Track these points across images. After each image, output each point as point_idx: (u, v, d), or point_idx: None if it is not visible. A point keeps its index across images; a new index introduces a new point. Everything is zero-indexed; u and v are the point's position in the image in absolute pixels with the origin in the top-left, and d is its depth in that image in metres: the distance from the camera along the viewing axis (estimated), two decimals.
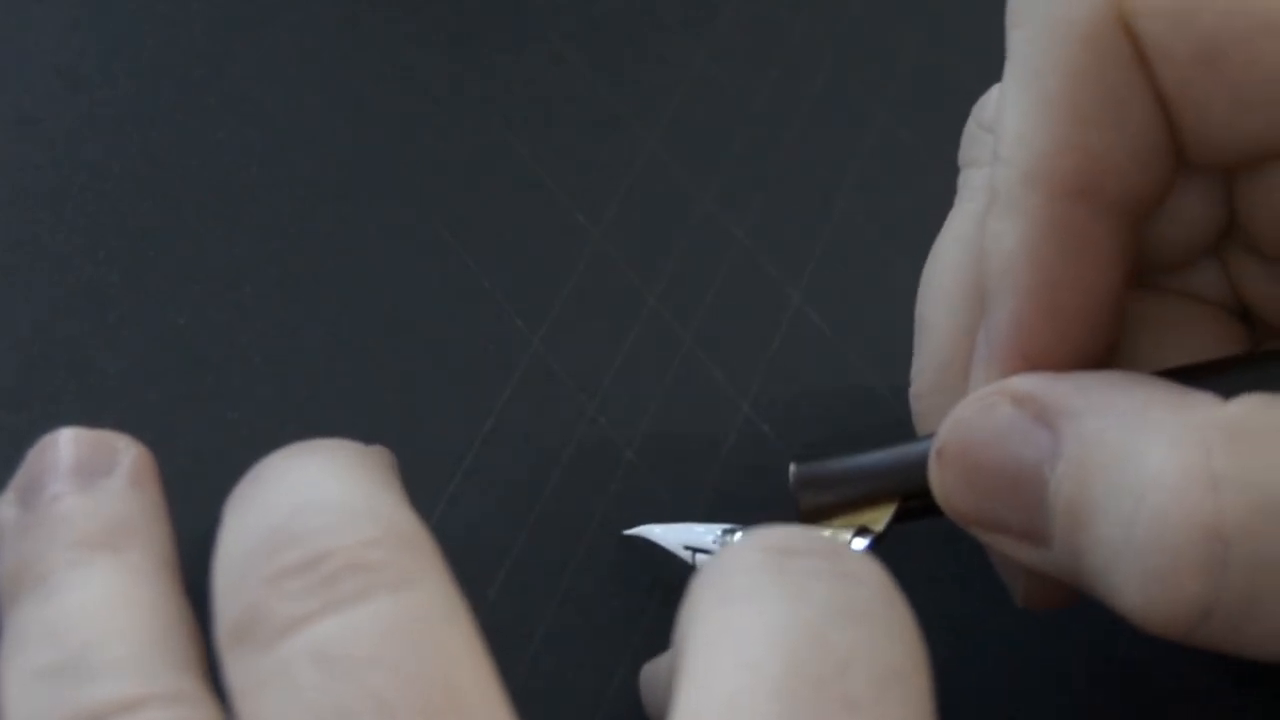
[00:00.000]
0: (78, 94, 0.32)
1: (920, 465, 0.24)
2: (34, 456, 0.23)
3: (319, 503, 0.20)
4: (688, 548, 0.28)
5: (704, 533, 0.28)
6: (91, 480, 0.23)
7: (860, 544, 0.25)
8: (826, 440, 0.27)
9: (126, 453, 0.24)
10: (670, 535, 0.28)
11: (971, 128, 0.28)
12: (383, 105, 0.34)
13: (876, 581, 0.20)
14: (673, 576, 0.29)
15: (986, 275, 0.24)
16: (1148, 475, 0.21)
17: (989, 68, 0.28)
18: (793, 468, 0.26)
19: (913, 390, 0.27)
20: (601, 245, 0.33)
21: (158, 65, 0.33)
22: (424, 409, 0.30)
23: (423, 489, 0.28)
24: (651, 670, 0.27)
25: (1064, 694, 0.29)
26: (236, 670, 0.19)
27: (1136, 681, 0.29)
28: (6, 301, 0.30)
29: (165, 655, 0.20)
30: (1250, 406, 0.21)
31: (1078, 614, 0.29)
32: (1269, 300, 0.26)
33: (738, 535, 0.27)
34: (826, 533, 0.26)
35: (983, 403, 0.23)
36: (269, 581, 0.19)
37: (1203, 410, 0.21)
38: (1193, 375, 0.23)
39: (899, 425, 0.30)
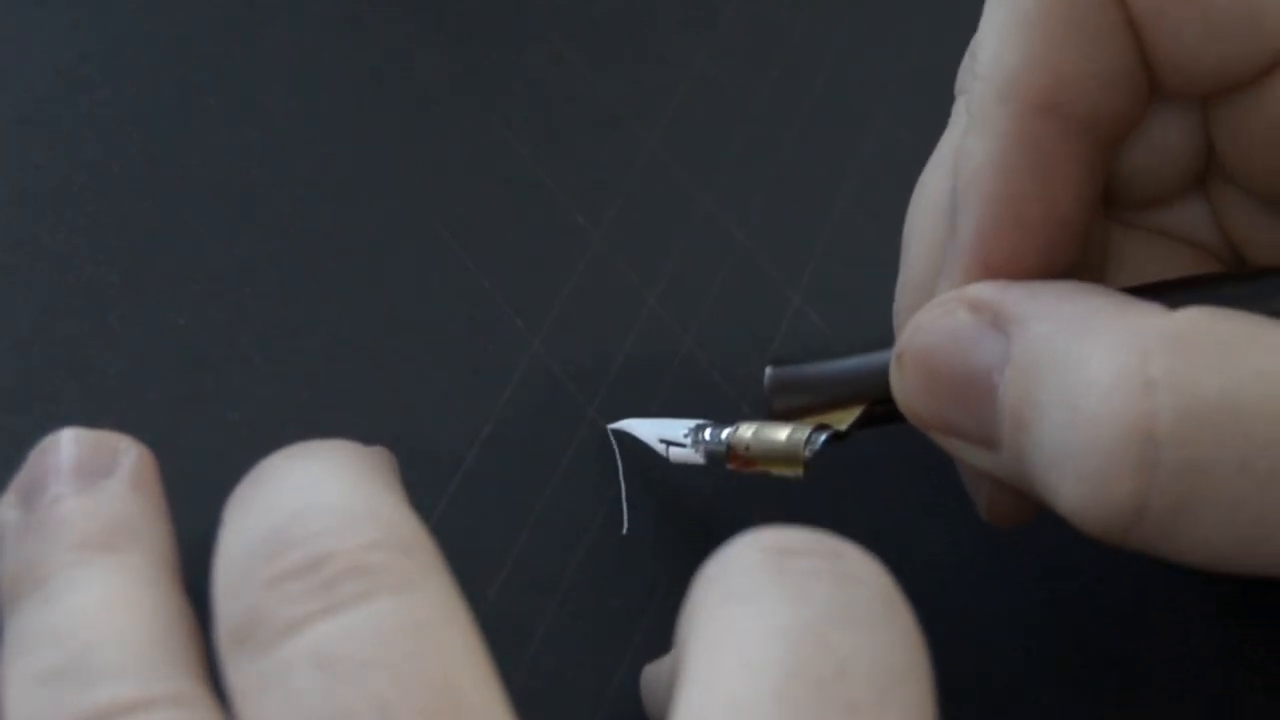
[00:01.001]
0: (78, 94, 0.32)
1: (886, 372, 0.25)
2: (35, 458, 0.23)
3: (319, 505, 0.20)
4: (662, 440, 0.29)
5: (679, 427, 0.29)
6: (92, 481, 0.23)
7: (819, 439, 0.26)
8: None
9: (127, 454, 0.24)
10: (649, 429, 0.29)
11: (967, 60, 0.29)
12: (383, 105, 0.34)
13: (877, 582, 0.20)
14: (673, 576, 0.29)
15: (956, 189, 0.25)
16: (1087, 378, 0.21)
17: None
18: (768, 370, 0.27)
19: (895, 306, 0.28)
20: (601, 245, 0.33)
21: (158, 65, 0.33)
22: (424, 409, 0.30)
23: (423, 489, 0.28)
24: (653, 671, 0.27)
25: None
26: (237, 672, 0.19)
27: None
28: (6, 302, 0.30)
29: (166, 657, 0.20)
30: (1192, 316, 0.21)
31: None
32: (1254, 235, 0.27)
33: (708, 431, 0.28)
34: (787, 429, 0.26)
35: (941, 309, 0.24)
36: (269, 584, 0.19)
37: (1145, 318, 0.22)
38: (1147, 291, 0.24)
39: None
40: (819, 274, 0.33)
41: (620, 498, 0.29)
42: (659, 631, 0.28)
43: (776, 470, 0.27)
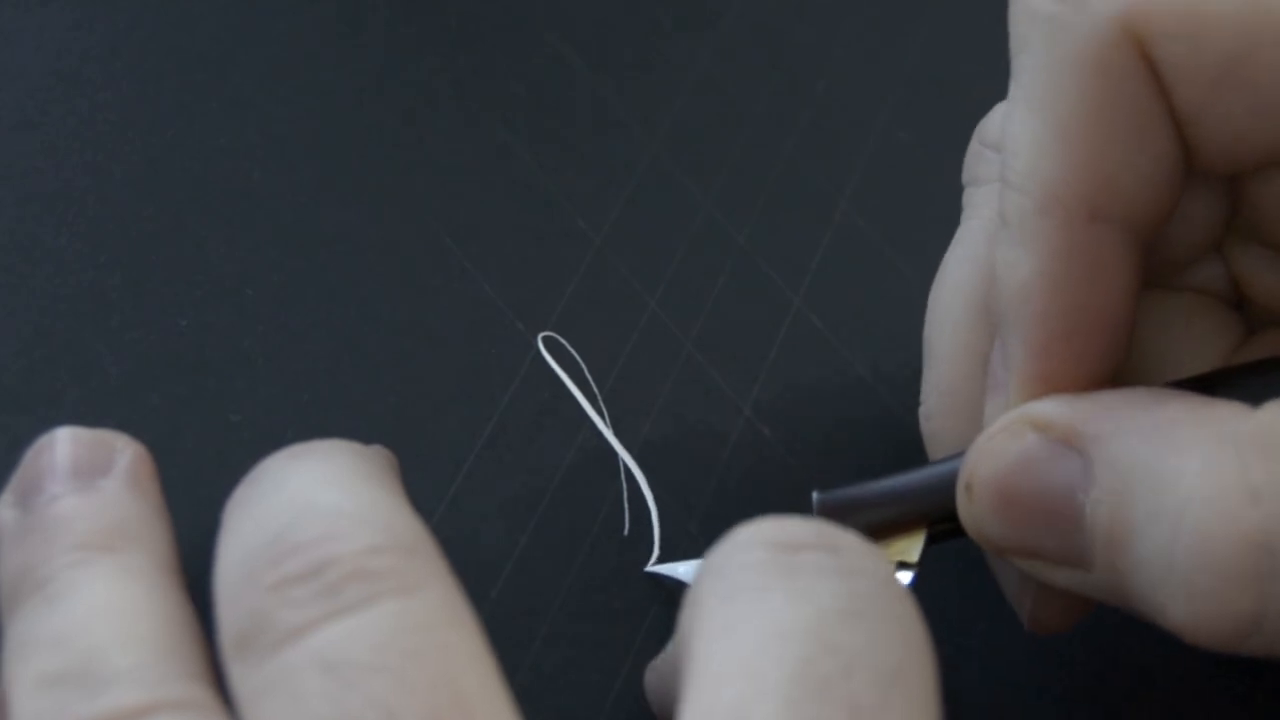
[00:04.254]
0: (79, 97, 0.32)
1: (943, 489, 0.24)
2: (32, 457, 0.23)
3: (321, 507, 0.20)
4: None
5: None
6: (89, 481, 0.23)
7: (905, 578, 0.25)
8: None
9: (124, 452, 0.24)
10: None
11: (975, 146, 0.28)
12: (383, 105, 0.34)
13: (879, 574, 0.20)
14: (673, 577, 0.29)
15: (1000, 303, 0.24)
16: (1186, 493, 0.21)
17: (990, 71, 0.28)
18: (815, 496, 0.26)
19: (922, 411, 0.27)
20: (602, 249, 0.33)
21: (158, 66, 0.33)
22: (425, 412, 0.30)
23: (424, 491, 0.28)
24: (655, 667, 0.27)
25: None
26: (241, 677, 0.19)
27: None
28: (8, 304, 0.29)
29: (171, 661, 0.20)
30: (1278, 414, 0.21)
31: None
32: (1274, 291, 0.26)
33: None
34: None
35: (1007, 432, 0.23)
36: (272, 589, 0.19)
37: (1232, 422, 0.21)
38: (1211, 384, 0.23)
39: (899, 428, 0.30)
40: (819, 276, 0.33)
41: (621, 498, 0.29)
42: (660, 631, 0.28)
43: None
